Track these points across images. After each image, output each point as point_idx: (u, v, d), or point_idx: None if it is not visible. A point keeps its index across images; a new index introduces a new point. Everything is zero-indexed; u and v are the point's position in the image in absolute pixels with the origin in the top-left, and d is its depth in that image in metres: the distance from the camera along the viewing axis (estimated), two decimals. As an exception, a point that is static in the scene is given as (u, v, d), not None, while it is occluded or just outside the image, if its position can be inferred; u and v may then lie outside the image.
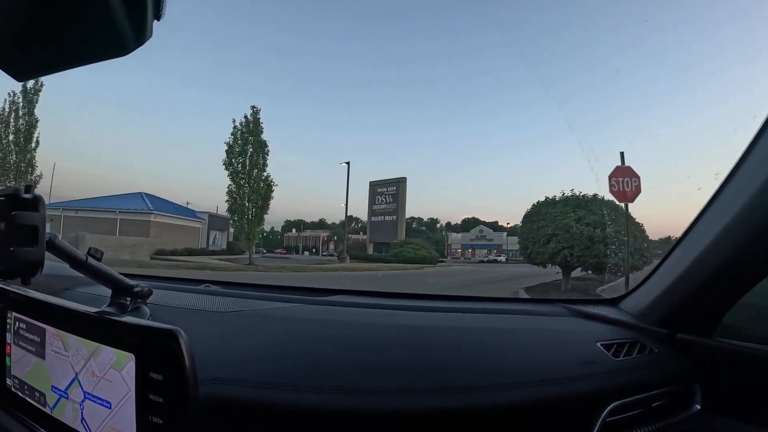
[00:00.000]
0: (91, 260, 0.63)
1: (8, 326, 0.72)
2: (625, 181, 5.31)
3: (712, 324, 0.86)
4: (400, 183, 32.82)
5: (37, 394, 0.67)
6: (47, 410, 0.66)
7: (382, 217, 32.64)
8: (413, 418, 0.67)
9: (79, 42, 0.35)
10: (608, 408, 0.77)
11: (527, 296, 6.55)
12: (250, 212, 17.15)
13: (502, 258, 31.96)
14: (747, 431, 0.83)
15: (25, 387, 0.69)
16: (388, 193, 33.00)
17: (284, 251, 42.45)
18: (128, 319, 0.60)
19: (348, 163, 25.79)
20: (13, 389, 0.71)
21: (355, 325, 0.88)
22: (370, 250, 31.76)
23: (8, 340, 0.72)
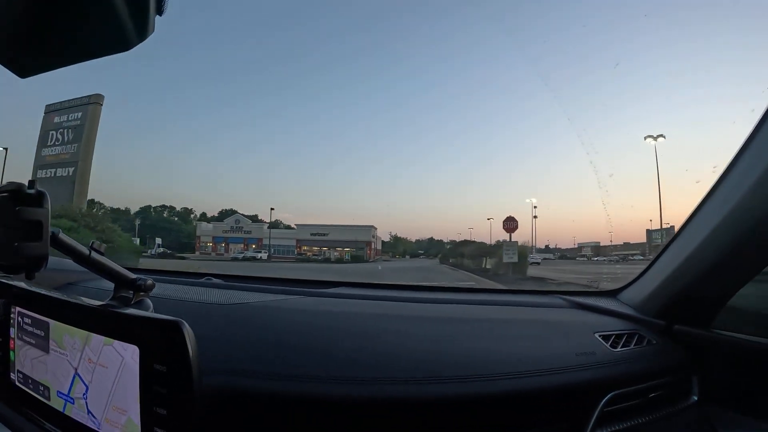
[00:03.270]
0: (94, 255, 0.63)
1: (12, 321, 0.73)
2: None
3: (710, 316, 0.87)
4: (90, 107, 17.05)
5: (41, 388, 0.68)
6: (52, 404, 0.66)
7: (53, 171, 16.99)
8: (412, 407, 0.68)
9: (81, 38, 0.35)
10: (606, 398, 0.78)
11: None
12: None
13: (263, 254, 26.96)
14: (743, 422, 0.84)
15: (29, 381, 0.70)
16: (69, 125, 17.21)
17: None
18: (132, 311, 0.60)
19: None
20: (17, 383, 0.72)
21: (355, 317, 0.89)
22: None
23: (12, 335, 0.73)
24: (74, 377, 0.63)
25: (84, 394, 0.61)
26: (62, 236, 0.56)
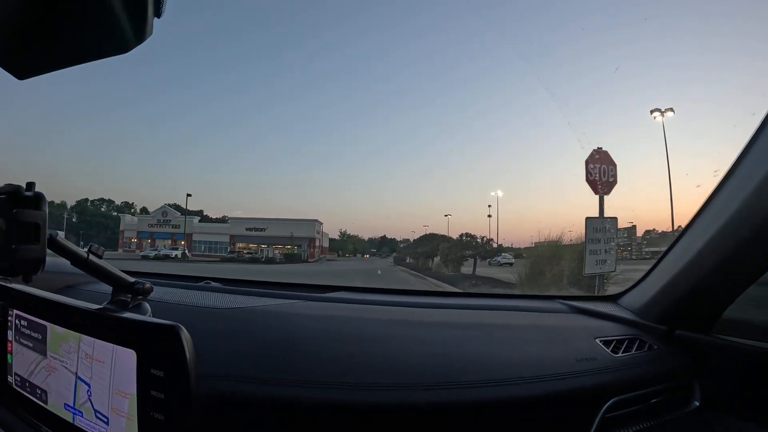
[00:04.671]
0: (92, 258, 0.63)
1: (9, 324, 0.72)
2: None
3: (711, 321, 0.87)
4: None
5: (39, 391, 0.67)
6: (49, 407, 0.66)
7: None
8: (412, 413, 0.68)
9: (80, 40, 0.35)
10: (607, 404, 0.77)
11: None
12: None
13: (178, 252, 23.09)
14: (745, 428, 0.83)
15: (27, 384, 0.69)
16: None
17: None
18: (129, 315, 0.60)
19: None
20: (14, 386, 0.71)
21: (355, 322, 0.88)
22: None
23: (9, 338, 0.72)
24: (76, 382, 0.62)
25: (88, 394, 0.61)
26: (60, 239, 0.56)
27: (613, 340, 0.88)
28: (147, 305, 0.72)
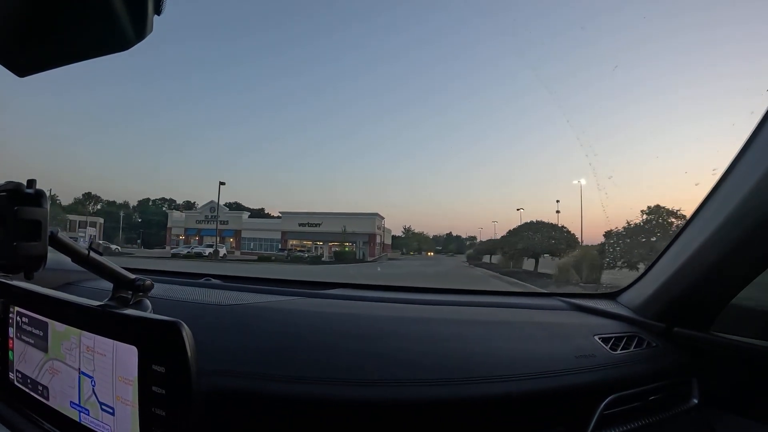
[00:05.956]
0: (92, 254, 0.63)
1: (11, 320, 0.73)
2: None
3: (710, 318, 0.87)
4: None
5: (41, 388, 0.68)
6: (54, 406, 0.66)
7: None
8: (411, 409, 0.68)
9: (80, 37, 0.35)
10: (606, 401, 0.77)
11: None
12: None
13: (219, 249, 20.55)
14: (744, 425, 0.84)
15: (28, 381, 0.70)
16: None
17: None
18: (130, 312, 0.60)
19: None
20: (16, 383, 0.72)
21: (355, 318, 0.89)
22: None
23: (11, 335, 0.73)
24: (79, 378, 0.63)
25: (92, 386, 0.61)
26: (61, 236, 0.56)
27: (611, 337, 0.89)
28: (148, 302, 0.73)
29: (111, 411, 0.59)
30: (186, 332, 0.53)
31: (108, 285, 0.71)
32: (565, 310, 1.07)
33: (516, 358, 0.78)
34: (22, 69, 0.39)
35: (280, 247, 23.51)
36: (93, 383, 0.61)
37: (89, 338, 0.61)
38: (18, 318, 0.71)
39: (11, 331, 0.73)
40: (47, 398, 0.67)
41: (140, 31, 0.35)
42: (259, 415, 0.66)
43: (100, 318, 0.61)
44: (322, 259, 19.68)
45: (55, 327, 0.66)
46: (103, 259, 0.65)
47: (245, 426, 0.66)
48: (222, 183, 23.82)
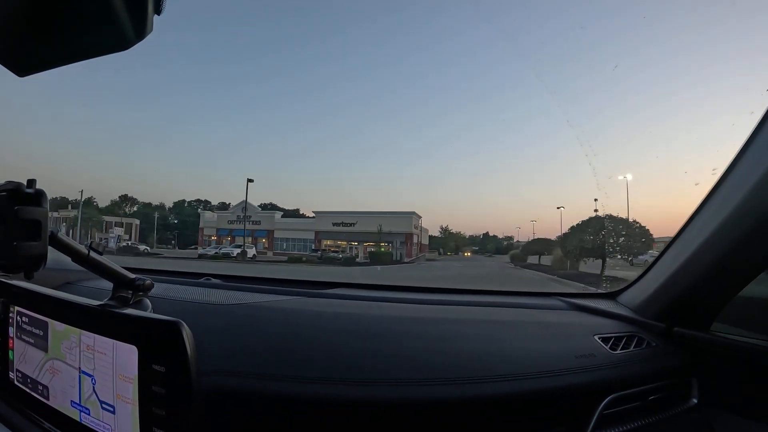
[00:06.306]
0: (93, 254, 0.63)
1: (11, 320, 0.73)
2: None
3: (709, 318, 0.87)
4: None
5: (41, 388, 0.68)
6: (54, 405, 0.66)
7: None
8: (411, 409, 0.68)
9: (80, 37, 0.35)
10: (606, 400, 0.77)
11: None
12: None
13: (248, 250, 19.91)
14: (743, 425, 0.84)
15: (28, 380, 0.70)
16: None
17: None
18: (130, 311, 0.61)
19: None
20: (16, 383, 0.72)
21: (354, 318, 0.89)
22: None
23: (11, 334, 0.73)
24: (79, 377, 0.63)
25: (93, 384, 0.62)
26: (61, 236, 0.56)
27: (611, 337, 0.89)
28: (147, 301, 0.73)
29: (111, 409, 0.59)
30: (186, 332, 0.53)
31: (108, 285, 0.71)
32: (565, 310, 1.07)
33: (516, 357, 0.78)
34: (22, 69, 0.39)
35: (313, 247, 22.93)
36: (93, 382, 0.61)
37: (89, 338, 0.61)
38: (18, 318, 0.72)
39: (11, 331, 0.73)
40: (47, 398, 0.67)
41: (140, 31, 0.35)
42: (259, 414, 0.66)
43: (100, 317, 0.61)
44: (357, 260, 18.71)
45: (55, 326, 0.66)
46: (103, 259, 0.66)
47: (245, 425, 0.66)
48: (250, 180, 23.52)
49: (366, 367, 0.71)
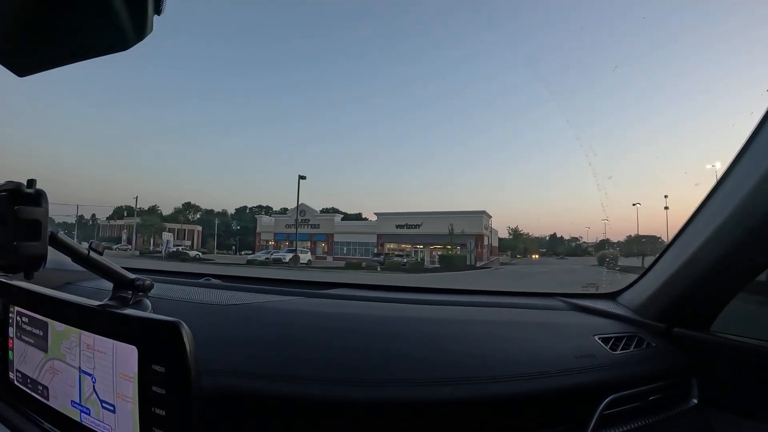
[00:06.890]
0: (93, 254, 0.63)
1: (11, 320, 0.73)
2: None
3: (709, 318, 0.87)
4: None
5: (41, 388, 0.68)
6: (54, 405, 0.66)
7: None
8: (412, 410, 0.68)
9: (80, 37, 0.35)
10: (605, 401, 0.77)
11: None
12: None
13: (302, 255, 18.62)
14: (743, 425, 0.84)
15: (28, 381, 0.70)
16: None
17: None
18: (130, 311, 0.61)
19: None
20: (16, 383, 0.72)
21: (354, 318, 0.88)
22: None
23: (11, 334, 0.73)
24: (80, 377, 0.63)
25: (93, 383, 0.61)
26: (61, 236, 0.56)
27: (611, 338, 0.89)
28: (147, 302, 0.73)
29: (112, 408, 0.59)
30: (186, 332, 0.53)
31: (108, 285, 0.71)
32: (566, 310, 1.07)
33: (516, 358, 0.78)
34: (22, 69, 0.39)
35: (375, 251, 21.48)
36: (93, 380, 0.61)
37: (89, 338, 0.61)
38: (18, 318, 0.71)
39: (11, 331, 0.73)
40: (47, 398, 0.67)
41: (140, 31, 0.35)
42: (259, 414, 0.66)
43: (100, 318, 0.61)
44: (425, 265, 16.80)
45: (55, 327, 0.66)
46: (103, 259, 0.66)
47: (245, 426, 0.66)
48: (302, 177, 21.89)
49: (365, 367, 0.71)
